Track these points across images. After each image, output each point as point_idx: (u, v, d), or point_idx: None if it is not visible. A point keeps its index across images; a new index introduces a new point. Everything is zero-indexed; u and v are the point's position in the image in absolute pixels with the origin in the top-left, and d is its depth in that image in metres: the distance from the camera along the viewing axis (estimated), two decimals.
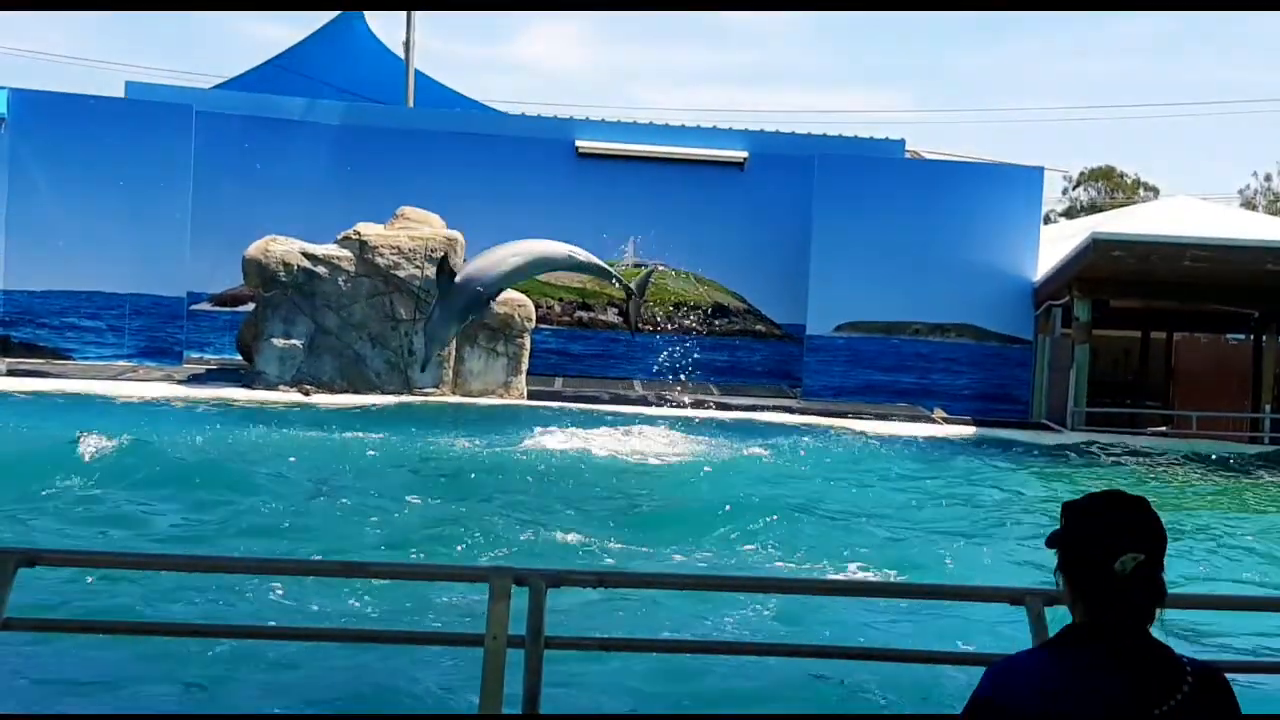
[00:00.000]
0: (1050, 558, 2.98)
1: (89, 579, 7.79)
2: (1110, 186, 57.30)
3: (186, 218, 25.10)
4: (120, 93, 26.69)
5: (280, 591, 8.20)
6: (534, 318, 24.14)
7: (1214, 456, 20.85)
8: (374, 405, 21.29)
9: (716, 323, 27.92)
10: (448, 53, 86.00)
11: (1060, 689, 2.78)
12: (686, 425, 20.31)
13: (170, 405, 20.40)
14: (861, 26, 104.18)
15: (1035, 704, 2.78)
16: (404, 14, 31.67)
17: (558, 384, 25.65)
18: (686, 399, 23.31)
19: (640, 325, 23.21)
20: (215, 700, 6.53)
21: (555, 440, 18.36)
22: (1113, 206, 45.20)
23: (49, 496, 12.02)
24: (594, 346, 27.95)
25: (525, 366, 23.81)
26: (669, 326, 26.58)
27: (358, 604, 8.11)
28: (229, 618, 7.56)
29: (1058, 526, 2.99)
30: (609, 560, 10.23)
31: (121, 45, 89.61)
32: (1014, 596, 5.00)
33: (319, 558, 9.11)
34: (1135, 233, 24.45)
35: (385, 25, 32.01)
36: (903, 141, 28.33)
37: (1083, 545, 2.90)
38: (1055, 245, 25.95)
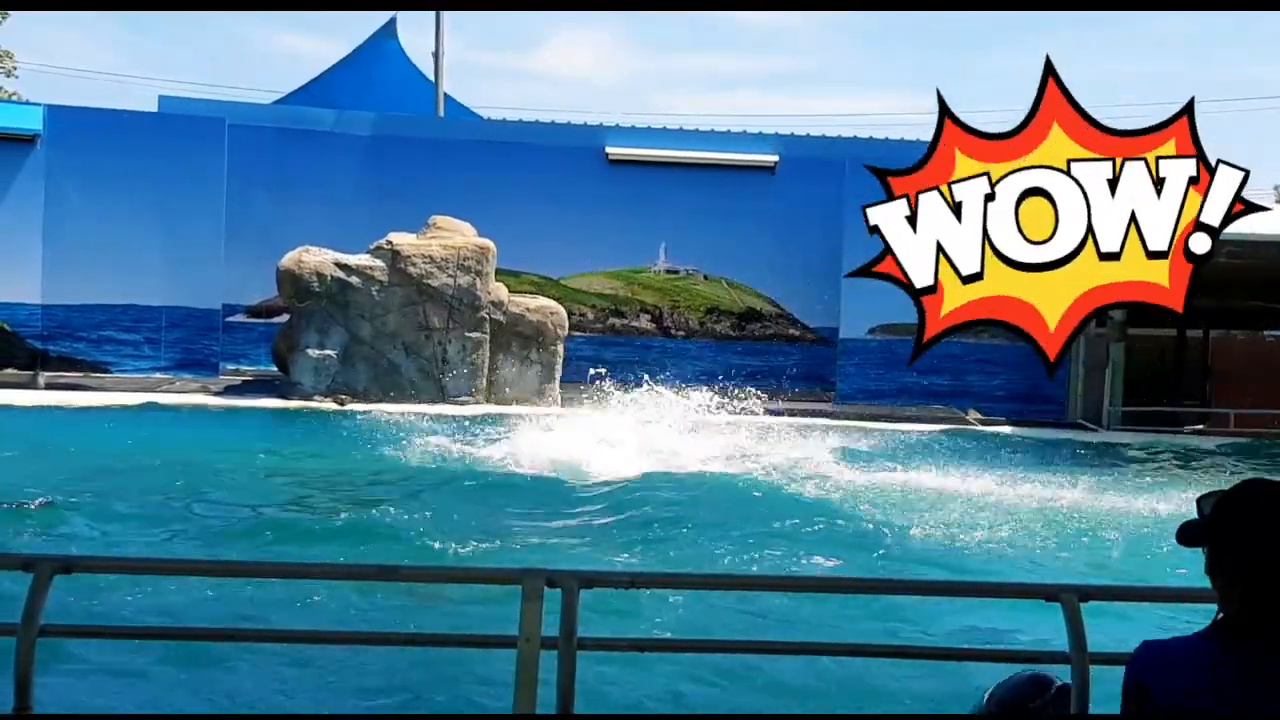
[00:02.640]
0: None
1: (124, 585, 7.86)
2: None
3: (220, 230, 25.28)
4: (153, 107, 26.91)
5: (313, 595, 8.24)
6: (567, 325, 24.17)
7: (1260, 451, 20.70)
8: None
9: (749, 327, 27.90)
10: (476, 62, 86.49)
11: (1228, 681, 2.65)
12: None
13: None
14: (888, 28, 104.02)
15: (1207, 698, 2.65)
16: (433, 26, 31.86)
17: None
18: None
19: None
20: (248, 703, 6.56)
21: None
22: None
23: None
24: (627, 353, 27.92)
25: (559, 374, 23.84)
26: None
27: (391, 607, 8.13)
28: (261, 622, 7.60)
29: (1192, 520, 2.85)
30: None
31: (153, 61, 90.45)
32: (1049, 593, 4.94)
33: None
34: None
35: (415, 36, 32.21)
36: None
37: (1244, 541, 2.73)
38: None
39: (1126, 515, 14.07)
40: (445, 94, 31.40)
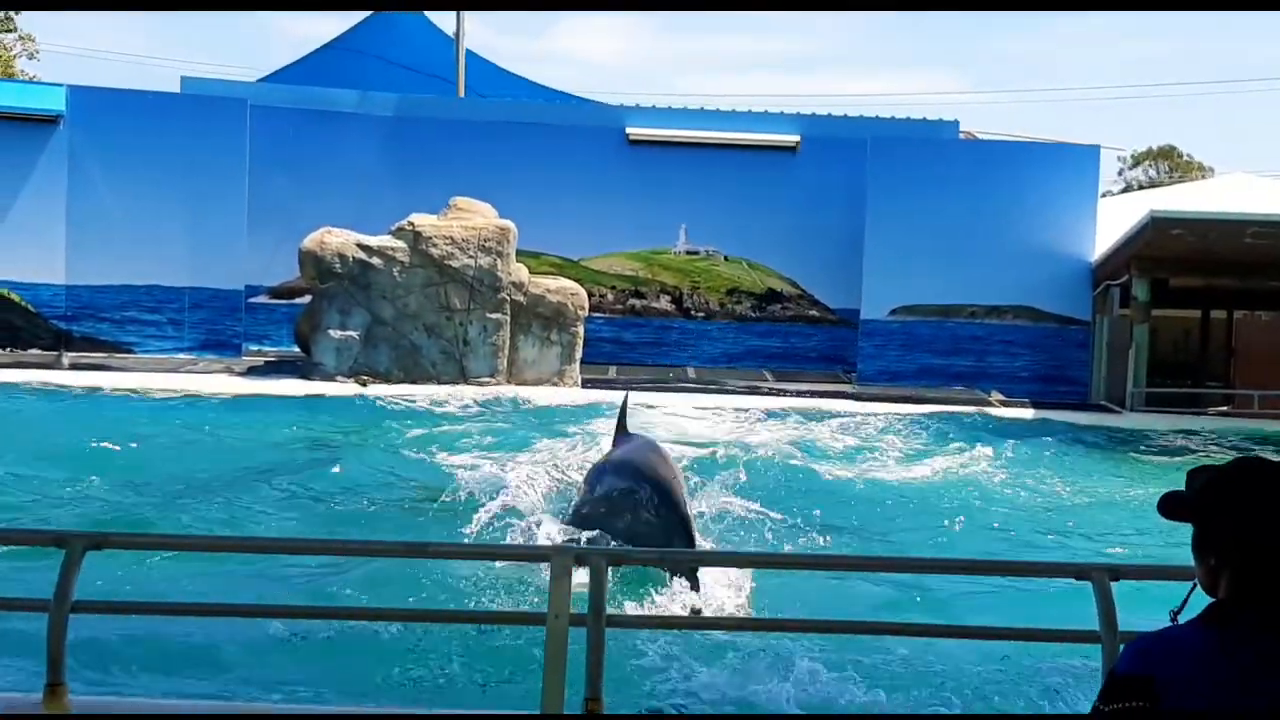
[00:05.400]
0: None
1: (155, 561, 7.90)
2: (1171, 166, 56.49)
3: (243, 211, 25.32)
4: (175, 88, 26.95)
5: (340, 571, 8.26)
6: (587, 306, 24.15)
7: None
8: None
9: (770, 309, 27.84)
10: (494, 46, 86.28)
11: (1223, 664, 2.59)
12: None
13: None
14: (909, 10, 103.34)
15: (1204, 686, 2.58)
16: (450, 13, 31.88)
17: (611, 372, 25.65)
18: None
19: None
20: (278, 679, 6.59)
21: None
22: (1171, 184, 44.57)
23: None
24: (647, 334, 27.94)
25: (579, 355, 23.85)
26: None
27: (423, 584, 8.15)
28: (290, 598, 7.62)
29: (1175, 492, 2.79)
30: None
31: (173, 42, 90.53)
32: (1079, 571, 4.94)
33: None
34: (1194, 210, 24.12)
35: (434, 17, 32.24)
36: (956, 123, 28.06)
37: (1237, 518, 2.67)
38: (1113, 218, 25.63)
39: (1154, 495, 14.01)
40: (468, 49, 31.28)
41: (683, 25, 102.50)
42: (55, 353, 23.95)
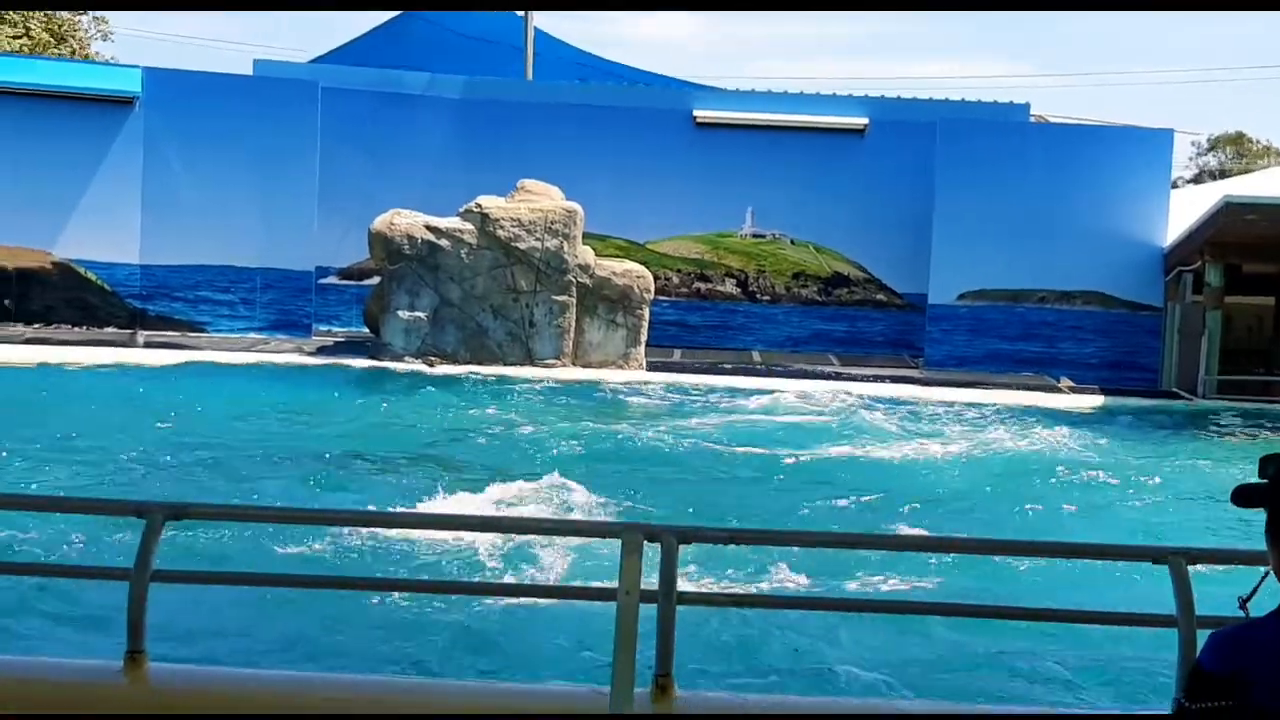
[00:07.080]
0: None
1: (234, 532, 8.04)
2: (1240, 152, 55.46)
3: (313, 193, 25.55)
4: (248, 70, 27.22)
5: (415, 545, 8.36)
6: (653, 289, 24.17)
7: None
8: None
9: (836, 292, 27.70)
10: (561, 30, 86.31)
11: None
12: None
13: None
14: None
15: None
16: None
17: (676, 355, 25.66)
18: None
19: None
20: (350, 650, 6.68)
21: None
22: (1241, 173, 43.77)
23: None
24: (712, 317, 27.90)
25: (644, 338, 23.89)
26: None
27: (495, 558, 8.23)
28: (367, 570, 7.72)
29: (1251, 482, 2.74)
30: None
31: (246, 20, 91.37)
32: (1156, 555, 4.88)
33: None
34: (1269, 195, 23.71)
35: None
36: (1027, 106, 27.69)
37: None
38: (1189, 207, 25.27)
39: (1227, 480, 13.85)
40: (536, 28, 31.36)
41: (748, 12, 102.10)
42: (130, 331, 24.39)
